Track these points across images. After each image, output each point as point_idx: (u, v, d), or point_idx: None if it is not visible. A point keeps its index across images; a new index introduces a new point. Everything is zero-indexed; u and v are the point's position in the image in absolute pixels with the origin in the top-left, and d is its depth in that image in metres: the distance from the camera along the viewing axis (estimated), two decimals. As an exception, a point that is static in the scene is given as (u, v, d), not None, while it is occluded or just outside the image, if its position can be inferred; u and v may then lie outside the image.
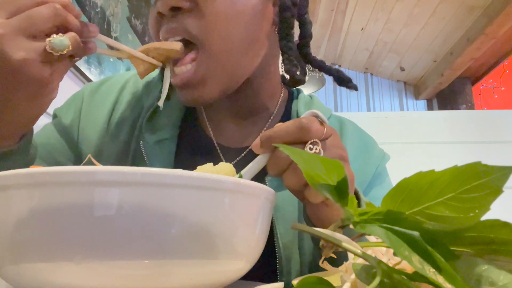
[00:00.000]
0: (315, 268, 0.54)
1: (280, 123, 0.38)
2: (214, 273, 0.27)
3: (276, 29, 0.55)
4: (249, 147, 0.59)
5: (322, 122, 0.38)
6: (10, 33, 0.35)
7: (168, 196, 0.24)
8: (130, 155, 0.57)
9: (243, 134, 0.61)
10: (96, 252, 0.23)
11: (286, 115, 0.63)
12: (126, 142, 0.58)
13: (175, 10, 0.47)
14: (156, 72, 0.63)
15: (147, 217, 0.23)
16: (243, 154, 0.59)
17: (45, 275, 0.23)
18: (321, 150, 0.37)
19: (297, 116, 0.61)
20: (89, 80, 1.31)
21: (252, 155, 0.58)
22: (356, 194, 0.44)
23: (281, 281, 0.51)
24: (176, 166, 0.57)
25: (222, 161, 0.59)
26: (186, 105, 0.54)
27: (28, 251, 0.23)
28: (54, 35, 0.37)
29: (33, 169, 0.23)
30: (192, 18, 0.47)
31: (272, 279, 0.52)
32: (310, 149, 0.37)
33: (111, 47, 0.47)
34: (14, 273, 0.25)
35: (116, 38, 1.55)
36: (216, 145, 0.60)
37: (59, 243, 0.23)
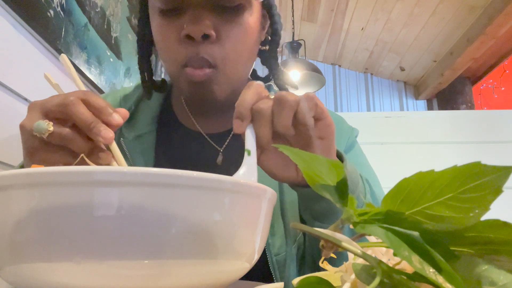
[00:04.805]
0: (304, 244, 0.60)
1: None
2: (214, 273, 0.27)
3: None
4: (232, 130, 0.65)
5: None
6: (36, 105, 0.39)
7: (168, 196, 0.24)
8: None
9: (223, 119, 0.67)
10: (96, 252, 0.23)
11: None
12: None
13: (204, 37, 0.53)
14: (132, 86, 0.72)
15: (147, 217, 0.23)
16: (229, 137, 0.66)
17: (45, 275, 0.23)
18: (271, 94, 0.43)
19: None
20: (89, 80, 1.31)
21: (236, 137, 0.66)
22: (340, 155, 0.47)
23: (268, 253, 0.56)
24: (158, 156, 0.63)
25: (210, 145, 0.65)
26: (198, 100, 0.62)
27: (28, 251, 0.23)
28: (46, 120, 0.39)
29: (33, 169, 0.23)
30: (216, 47, 0.54)
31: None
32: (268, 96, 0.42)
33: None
34: (14, 273, 0.25)
35: (116, 38, 1.55)
36: (202, 132, 0.66)
37: (59, 243, 0.23)
